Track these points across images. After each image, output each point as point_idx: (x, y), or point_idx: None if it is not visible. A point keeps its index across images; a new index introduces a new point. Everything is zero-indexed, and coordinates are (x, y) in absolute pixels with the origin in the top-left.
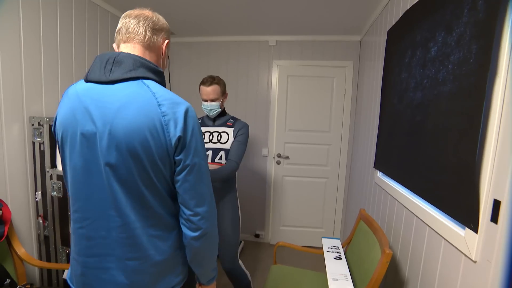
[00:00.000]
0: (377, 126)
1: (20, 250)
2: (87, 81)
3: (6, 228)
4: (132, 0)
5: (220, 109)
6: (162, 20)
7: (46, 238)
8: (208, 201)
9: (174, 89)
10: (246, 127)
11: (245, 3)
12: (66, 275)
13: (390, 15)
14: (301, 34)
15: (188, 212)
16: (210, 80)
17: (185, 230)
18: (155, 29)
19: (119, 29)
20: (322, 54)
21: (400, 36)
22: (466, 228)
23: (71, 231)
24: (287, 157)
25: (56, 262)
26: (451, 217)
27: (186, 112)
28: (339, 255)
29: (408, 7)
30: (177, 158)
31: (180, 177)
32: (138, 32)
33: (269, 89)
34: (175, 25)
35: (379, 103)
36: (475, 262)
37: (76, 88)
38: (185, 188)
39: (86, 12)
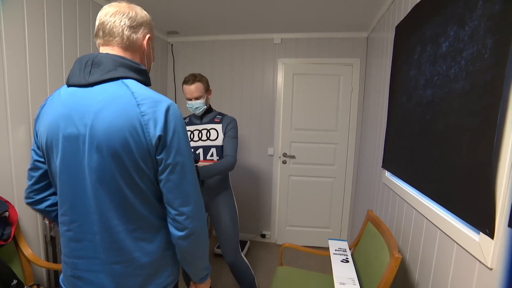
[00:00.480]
0: (385, 125)
1: (27, 251)
2: (68, 85)
3: (13, 229)
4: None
5: (205, 106)
6: (140, 13)
7: (53, 239)
8: (194, 200)
9: (179, 89)
10: (233, 121)
11: (250, 1)
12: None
13: (398, 10)
14: (307, 31)
15: (173, 212)
16: (192, 78)
17: (171, 229)
18: (133, 27)
19: (96, 32)
20: (328, 51)
21: (409, 32)
22: (481, 233)
23: (60, 233)
24: (293, 157)
25: None
26: (465, 221)
27: (167, 110)
28: (346, 258)
29: (418, 1)
30: (158, 157)
31: (163, 176)
32: (115, 34)
33: (275, 88)
34: (179, 24)
35: (387, 101)
36: (491, 269)
37: (60, 93)
38: (168, 188)
39: (90, 12)
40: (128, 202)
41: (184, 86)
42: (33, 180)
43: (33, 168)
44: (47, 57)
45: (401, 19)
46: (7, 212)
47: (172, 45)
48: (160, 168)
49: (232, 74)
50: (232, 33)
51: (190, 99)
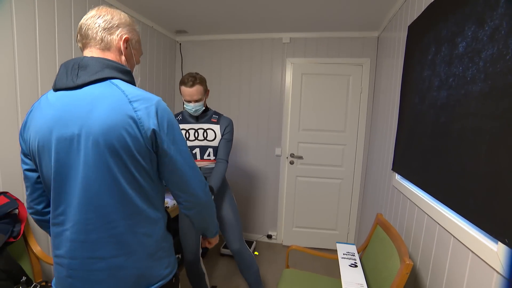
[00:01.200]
0: (396, 127)
1: (36, 248)
2: (55, 89)
3: (23, 227)
4: (142, 0)
5: (204, 107)
6: (117, 15)
7: None
8: (197, 180)
9: None
10: (231, 124)
11: (259, 0)
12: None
13: (411, 9)
14: (316, 30)
15: (183, 195)
16: (192, 80)
17: (184, 210)
18: (108, 28)
19: (76, 36)
20: (338, 51)
21: (423, 32)
22: (499, 242)
23: (52, 235)
24: (300, 157)
25: None
26: (481, 228)
27: (158, 106)
28: (355, 263)
29: (433, 0)
30: (160, 149)
31: (168, 167)
32: (89, 36)
33: (283, 88)
34: (187, 23)
35: (399, 102)
36: (510, 280)
37: (48, 98)
38: (176, 175)
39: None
40: (127, 196)
41: (183, 87)
42: (29, 189)
43: (25, 178)
44: (57, 55)
45: (414, 18)
46: (17, 210)
47: (180, 44)
48: (164, 160)
49: (240, 74)
50: (240, 32)
51: (190, 102)
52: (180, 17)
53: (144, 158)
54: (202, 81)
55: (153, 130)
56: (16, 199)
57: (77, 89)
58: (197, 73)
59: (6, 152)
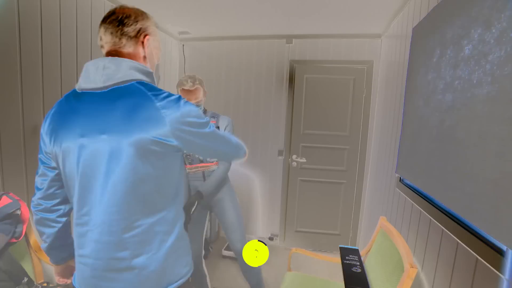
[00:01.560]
0: (400, 129)
1: (38, 249)
2: (80, 89)
3: (24, 227)
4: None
5: (203, 109)
6: (137, 15)
7: None
8: (230, 148)
9: None
10: (230, 123)
11: (262, 1)
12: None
13: (415, 11)
14: (320, 32)
15: (222, 161)
16: (192, 81)
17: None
18: (127, 30)
19: (98, 39)
20: (341, 53)
21: (428, 34)
22: (508, 248)
23: (76, 234)
24: (303, 159)
25: None
26: (489, 234)
27: (183, 103)
28: (358, 267)
29: (437, 3)
30: (187, 144)
31: (201, 151)
32: (110, 37)
33: (285, 89)
34: (189, 23)
35: (402, 105)
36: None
37: (72, 97)
38: (211, 154)
39: (104, 11)
40: (149, 196)
41: (183, 89)
42: (44, 186)
43: (42, 175)
44: (61, 55)
45: (419, 20)
46: (19, 210)
47: (183, 45)
48: (194, 149)
49: (242, 75)
50: (243, 33)
51: None
52: (182, 17)
53: (169, 156)
54: (201, 82)
55: (179, 129)
56: (19, 200)
57: (102, 91)
58: (195, 75)
59: (8, 153)
